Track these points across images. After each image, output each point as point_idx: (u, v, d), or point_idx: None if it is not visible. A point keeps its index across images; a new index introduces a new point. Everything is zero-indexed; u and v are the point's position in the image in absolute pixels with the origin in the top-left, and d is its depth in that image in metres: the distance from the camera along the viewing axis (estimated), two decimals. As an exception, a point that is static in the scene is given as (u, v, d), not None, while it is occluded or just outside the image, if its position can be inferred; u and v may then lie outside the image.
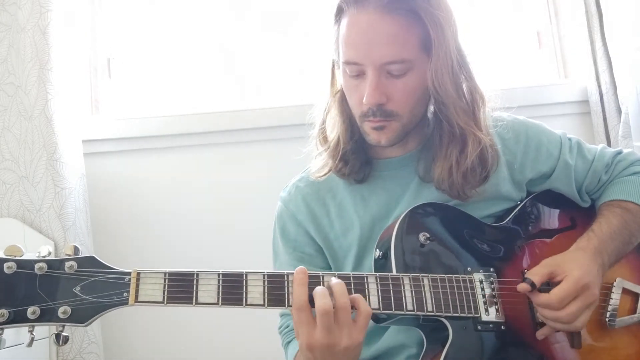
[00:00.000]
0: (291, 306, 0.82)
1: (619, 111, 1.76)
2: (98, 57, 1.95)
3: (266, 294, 0.82)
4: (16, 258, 0.78)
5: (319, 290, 0.80)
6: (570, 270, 0.93)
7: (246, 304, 0.81)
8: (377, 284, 0.87)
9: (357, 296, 0.83)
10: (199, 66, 1.98)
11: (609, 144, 1.78)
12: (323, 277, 0.85)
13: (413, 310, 0.87)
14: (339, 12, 0.98)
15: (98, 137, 1.82)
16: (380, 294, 0.86)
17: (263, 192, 1.75)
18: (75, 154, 1.70)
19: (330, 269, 1.07)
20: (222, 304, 0.80)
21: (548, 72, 1.99)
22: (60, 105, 1.67)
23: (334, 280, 0.83)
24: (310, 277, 0.83)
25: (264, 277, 0.83)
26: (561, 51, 1.98)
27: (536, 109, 1.82)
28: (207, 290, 0.80)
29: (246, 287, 0.82)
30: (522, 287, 0.93)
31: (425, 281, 0.89)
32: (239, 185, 1.82)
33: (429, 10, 0.92)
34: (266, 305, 0.82)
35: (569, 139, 1.13)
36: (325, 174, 1.08)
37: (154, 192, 1.81)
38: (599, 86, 1.80)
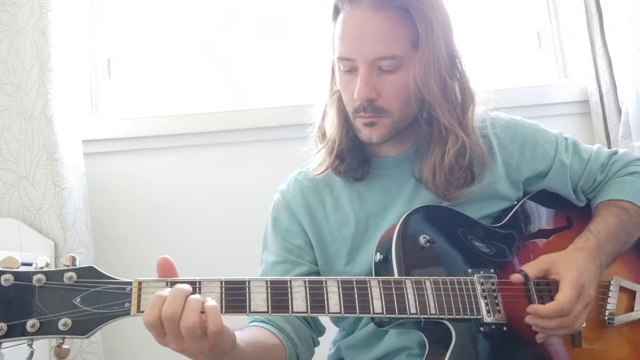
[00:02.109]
0: (295, 312, 0.81)
1: (619, 111, 1.76)
2: (98, 57, 1.95)
3: (269, 300, 0.80)
4: (13, 270, 0.76)
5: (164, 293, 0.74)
6: (565, 270, 0.93)
7: (250, 312, 0.79)
8: (379, 288, 0.86)
9: (212, 307, 0.74)
10: (198, 66, 1.99)
11: (609, 144, 1.78)
12: (326, 282, 0.84)
13: (416, 314, 0.86)
14: (336, 11, 1.00)
15: (98, 137, 1.82)
16: (383, 297, 0.85)
17: (263, 191, 1.74)
18: (75, 154, 1.70)
19: (316, 264, 1.07)
20: (225, 312, 0.78)
21: (548, 72, 1.99)
22: (60, 105, 1.67)
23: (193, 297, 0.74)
24: (312, 282, 0.83)
25: (267, 284, 0.81)
26: (561, 51, 1.98)
27: (536, 109, 1.82)
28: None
29: (249, 294, 0.80)
30: (516, 277, 0.93)
31: (428, 284, 0.89)
32: (238, 185, 1.81)
33: (419, 8, 0.94)
34: (270, 312, 0.80)
35: (565, 139, 1.14)
36: (322, 172, 1.08)
37: (154, 192, 1.81)
38: (599, 86, 1.80)
